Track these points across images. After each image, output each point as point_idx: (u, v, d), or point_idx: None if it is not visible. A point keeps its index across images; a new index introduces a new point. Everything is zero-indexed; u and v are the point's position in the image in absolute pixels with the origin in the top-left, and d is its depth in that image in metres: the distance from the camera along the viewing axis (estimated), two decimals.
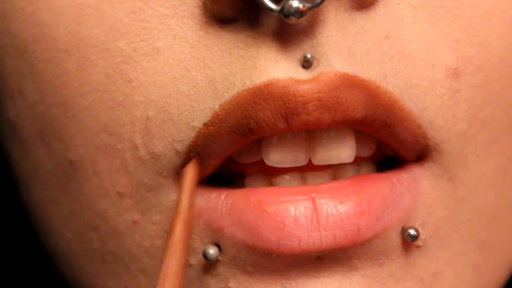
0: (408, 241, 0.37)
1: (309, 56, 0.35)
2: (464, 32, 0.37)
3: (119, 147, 0.37)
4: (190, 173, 0.36)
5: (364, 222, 0.36)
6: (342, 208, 0.36)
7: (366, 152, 0.38)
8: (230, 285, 0.37)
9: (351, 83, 0.35)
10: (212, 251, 0.37)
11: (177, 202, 0.35)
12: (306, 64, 0.35)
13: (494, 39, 0.38)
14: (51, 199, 0.41)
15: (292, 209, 0.36)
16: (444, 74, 0.37)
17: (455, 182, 0.38)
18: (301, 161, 0.37)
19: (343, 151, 0.37)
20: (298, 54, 0.35)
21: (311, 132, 0.37)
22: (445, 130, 0.37)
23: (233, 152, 0.37)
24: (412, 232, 0.37)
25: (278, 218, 0.35)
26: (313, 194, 0.36)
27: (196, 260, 0.38)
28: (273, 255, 0.36)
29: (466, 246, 0.39)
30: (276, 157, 0.37)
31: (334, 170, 0.39)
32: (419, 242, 0.38)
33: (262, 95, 0.35)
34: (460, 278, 0.39)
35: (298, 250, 0.36)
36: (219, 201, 0.37)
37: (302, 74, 0.35)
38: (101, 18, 0.36)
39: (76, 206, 0.40)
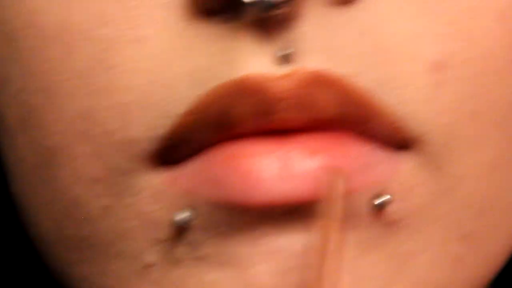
0: (377, 209, 0.37)
1: (284, 52, 0.35)
2: (449, 27, 0.37)
3: (95, 132, 0.38)
4: (337, 186, 0.36)
5: (333, 178, 0.36)
6: (312, 162, 0.36)
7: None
8: (204, 250, 0.37)
9: (323, 80, 0.36)
10: (183, 215, 0.37)
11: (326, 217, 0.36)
12: (282, 59, 0.35)
13: (479, 34, 0.38)
14: (32, 189, 0.42)
15: (259, 161, 0.36)
16: (426, 67, 0.37)
17: (440, 173, 0.38)
18: None
19: None
20: (275, 49, 0.36)
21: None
22: (427, 122, 0.37)
23: (210, 146, 0.37)
24: (382, 199, 0.37)
25: (246, 170, 0.36)
26: (283, 147, 0.36)
27: (165, 233, 0.38)
28: (243, 210, 0.36)
29: (447, 237, 0.39)
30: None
31: None
32: (391, 217, 0.38)
33: (238, 90, 0.36)
34: (436, 266, 0.39)
35: (266, 201, 0.36)
36: (193, 164, 0.37)
37: (277, 70, 0.36)
38: (87, 6, 0.37)
39: (53, 194, 0.40)
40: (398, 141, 0.38)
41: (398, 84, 0.37)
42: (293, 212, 0.37)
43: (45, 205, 0.41)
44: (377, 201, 0.37)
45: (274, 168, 0.36)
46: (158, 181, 0.38)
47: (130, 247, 0.39)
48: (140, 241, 0.38)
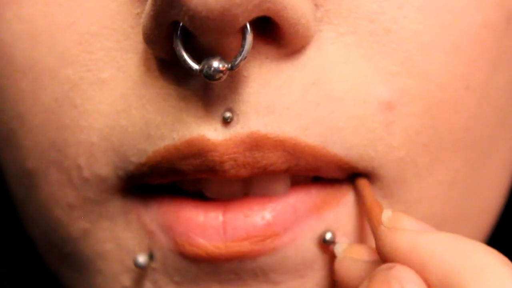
0: (326, 246, 0.38)
1: (228, 114, 0.36)
2: (401, 65, 0.37)
3: (66, 164, 0.40)
4: (363, 183, 0.39)
5: (269, 233, 0.38)
6: (248, 220, 0.38)
7: (302, 181, 0.39)
8: None
9: (264, 143, 0.37)
10: (141, 259, 0.39)
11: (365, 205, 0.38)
12: (226, 122, 0.36)
13: (433, 68, 0.38)
14: (21, 200, 0.45)
15: (201, 219, 0.38)
16: (377, 109, 0.37)
17: (392, 199, 0.39)
18: (239, 194, 0.39)
19: (277, 186, 0.39)
20: (221, 110, 0.36)
21: None
22: (377, 159, 0.38)
23: (173, 180, 0.39)
24: (327, 236, 0.38)
25: (189, 226, 0.38)
26: (223, 208, 0.38)
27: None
28: (193, 263, 0.38)
29: None
30: (214, 191, 0.39)
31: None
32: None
33: (185, 152, 0.37)
34: None
35: (206, 257, 0.38)
36: (153, 206, 0.39)
37: (222, 132, 0.36)
38: (52, 46, 0.38)
39: (37, 210, 0.42)
40: (351, 174, 0.39)
41: (347, 132, 0.37)
42: (241, 274, 0.39)
43: (32, 216, 0.44)
44: (323, 239, 0.39)
45: (212, 226, 0.38)
46: (130, 209, 0.40)
47: (108, 268, 0.41)
48: (116, 264, 0.41)
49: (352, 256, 0.38)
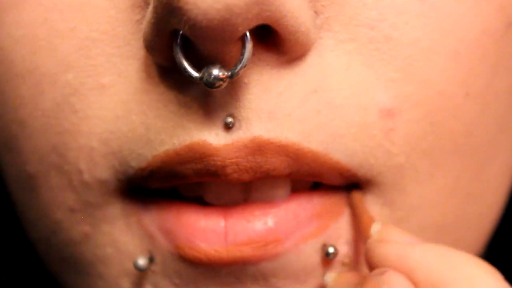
0: (329, 259, 0.39)
1: (229, 120, 0.36)
2: (401, 72, 0.37)
3: (66, 168, 0.40)
4: (358, 197, 0.39)
5: (271, 238, 0.38)
6: (250, 226, 0.38)
7: (303, 187, 0.40)
8: None
9: (267, 148, 0.37)
10: (141, 262, 0.39)
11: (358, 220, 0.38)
12: (228, 127, 0.36)
13: (433, 74, 0.38)
14: (21, 202, 0.45)
15: (203, 224, 0.38)
16: (377, 116, 0.37)
17: (392, 206, 0.39)
18: (239, 200, 0.39)
19: (277, 191, 0.39)
20: (222, 116, 0.36)
21: None
22: (377, 166, 0.38)
23: (173, 185, 0.39)
24: (330, 250, 0.38)
25: (190, 230, 0.38)
26: (225, 213, 0.38)
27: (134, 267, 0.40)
28: (193, 267, 0.38)
29: None
30: (214, 196, 0.39)
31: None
32: (345, 259, 0.39)
33: (187, 157, 0.37)
34: None
35: (207, 261, 0.38)
36: (153, 209, 0.40)
37: (223, 137, 0.37)
38: (53, 51, 0.39)
39: (38, 214, 0.43)
40: (351, 182, 0.39)
41: (348, 139, 0.37)
42: (241, 278, 0.39)
43: (32, 220, 0.44)
44: (326, 252, 0.39)
45: (214, 231, 0.38)
46: (130, 212, 0.40)
47: (108, 272, 0.41)
48: (116, 268, 0.41)
49: (342, 285, 0.38)
